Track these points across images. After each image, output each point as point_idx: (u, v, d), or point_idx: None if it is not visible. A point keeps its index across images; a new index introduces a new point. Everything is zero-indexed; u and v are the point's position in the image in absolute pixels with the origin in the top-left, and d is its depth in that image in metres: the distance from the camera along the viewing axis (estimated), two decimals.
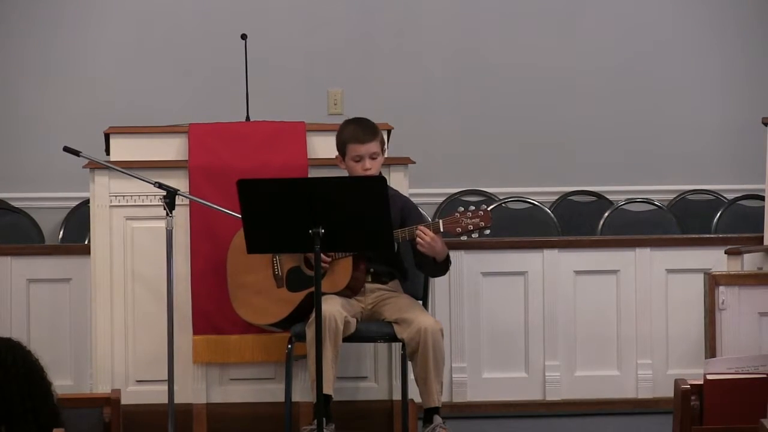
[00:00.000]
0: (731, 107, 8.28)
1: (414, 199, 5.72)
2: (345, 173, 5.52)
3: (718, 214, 7.83)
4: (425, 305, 5.64)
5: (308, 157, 5.73)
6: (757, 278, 5.09)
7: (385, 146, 5.54)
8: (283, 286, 5.46)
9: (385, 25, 8.20)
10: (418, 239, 5.23)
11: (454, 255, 6.27)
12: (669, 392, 4.56)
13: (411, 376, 5.42)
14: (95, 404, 4.02)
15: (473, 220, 5.22)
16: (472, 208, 5.27)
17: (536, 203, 7.78)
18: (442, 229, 5.24)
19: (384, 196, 4.55)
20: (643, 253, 6.45)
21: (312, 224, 4.46)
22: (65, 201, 7.88)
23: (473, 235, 5.23)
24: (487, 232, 5.24)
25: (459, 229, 5.22)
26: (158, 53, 8.08)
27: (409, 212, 5.51)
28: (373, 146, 5.43)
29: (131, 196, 5.75)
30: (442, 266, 5.43)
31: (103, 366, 5.74)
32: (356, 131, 5.45)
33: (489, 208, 5.26)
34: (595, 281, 6.43)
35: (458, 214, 5.24)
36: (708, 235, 7.16)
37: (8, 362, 3.21)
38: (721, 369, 4.33)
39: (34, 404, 3.21)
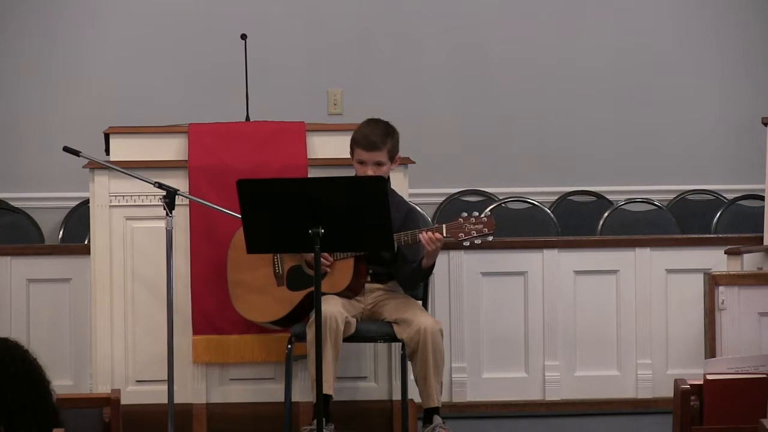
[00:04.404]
0: (731, 107, 8.28)
1: (414, 200, 5.73)
2: (347, 172, 5.53)
3: (718, 214, 7.83)
4: (425, 305, 5.64)
5: (308, 157, 5.73)
6: (757, 278, 5.09)
7: (398, 154, 5.53)
8: (283, 284, 5.46)
9: (385, 25, 8.20)
10: (427, 241, 5.21)
11: (453, 255, 6.31)
12: (669, 392, 4.56)
13: (411, 376, 5.42)
14: (95, 404, 4.02)
15: (476, 226, 5.22)
16: (476, 213, 5.26)
17: (536, 203, 7.78)
18: (445, 234, 5.23)
19: (384, 196, 4.54)
20: (643, 253, 6.45)
21: (312, 224, 4.46)
22: (65, 201, 7.88)
23: (476, 242, 5.23)
24: (490, 238, 5.24)
25: (462, 235, 5.22)
26: (158, 53, 8.08)
27: (412, 219, 5.50)
28: (377, 155, 5.42)
29: (131, 196, 5.75)
30: (426, 272, 5.42)
31: (103, 366, 5.74)
32: (365, 137, 5.44)
33: (488, 209, 5.27)
34: (595, 281, 6.43)
35: (461, 220, 5.24)
36: (708, 235, 7.16)
37: (6, 361, 3.21)
38: (720, 369, 4.33)
39: (33, 403, 3.20)
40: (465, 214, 5.26)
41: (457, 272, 6.34)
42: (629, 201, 7.90)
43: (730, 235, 6.76)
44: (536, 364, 6.39)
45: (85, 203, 7.37)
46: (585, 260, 6.44)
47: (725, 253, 5.98)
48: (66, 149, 5.40)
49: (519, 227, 7.47)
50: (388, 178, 5.53)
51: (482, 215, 5.26)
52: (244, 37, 6.16)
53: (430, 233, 5.22)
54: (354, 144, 5.47)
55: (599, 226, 7.66)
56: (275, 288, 5.46)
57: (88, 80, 8.05)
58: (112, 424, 3.98)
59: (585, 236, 7.27)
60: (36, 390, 3.23)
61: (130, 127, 5.96)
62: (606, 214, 7.72)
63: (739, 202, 7.92)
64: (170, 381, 5.21)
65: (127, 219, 5.77)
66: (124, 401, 4.20)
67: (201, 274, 5.67)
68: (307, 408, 5.64)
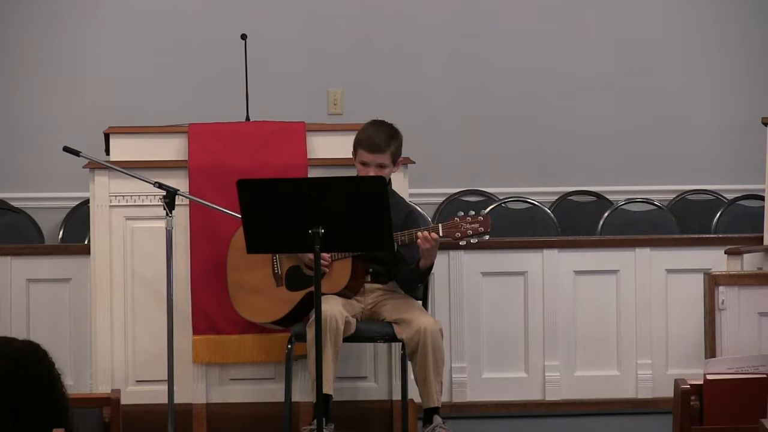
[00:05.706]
0: (731, 107, 8.28)
1: (414, 199, 5.72)
2: (347, 172, 5.53)
3: (718, 214, 7.82)
4: (425, 305, 5.64)
5: (308, 157, 5.73)
6: (757, 278, 5.09)
7: (400, 157, 5.53)
8: (282, 285, 5.46)
9: (385, 26, 8.20)
10: (422, 240, 5.21)
11: (453, 255, 6.30)
12: (669, 392, 4.56)
13: (411, 376, 5.42)
14: (95, 404, 4.01)
15: (473, 225, 5.23)
16: (472, 212, 5.27)
17: (536, 203, 7.78)
18: (441, 233, 5.24)
19: (384, 196, 4.54)
20: (643, 253, 6.45)
21: (312, 224, 4.46)
22: (65, 201, 7.88)
23: (472, 241, 5.24)
24: (486, 237, 5.25)
25: (458, 234, 5.23)
26: (158, 53, 8.08)
27: (413, 221, 5.49)
28: (380, 158, 5.43)
29: (131, 196, 5.75)
30: (424, 273, 5.42)
31: (103, 366, 5.74)
32: (369, 138, 5.44)
33: (488, 209, 5.27)
34: (595, 281, 6.43)
35: (458, 219, 5.25)
36: (708, 235, 7.16)
37: (34, 372, 3.16)
38: (721, 369, 4.32)
39: (52, 421, 3.17)
40: (461, 214, 5.27)
41: (457, 272, 6.34)
42: (629, 201, 7.90)
43: (730, 235, 6.75)
44: (536, 364, 6.39)
45: (85, 203, 7.37)
46: (585, 260, 6.44)
47: (725, 253, 5.97)
48: (66, 149, 5.40)
49: (519, 227, 7.47)
50: (390, 179, 5.53)
51: (478, 214, 5.27)
52: (244, 37, 6.15)
53: (425, 232, 5.23)
54: (357, 145, 5.47)
55: (599, 226, 7.66)
56: (274, 288, 5.46)
57: (88, 80, 8.05)
58: (112, 424, 3.98)
59: (585, 236, 7.27)
60: (57, 405, 3.19)
61: (130, 127, 5.96)
62: (606, 214, 7.72)
63: (739, 202, 7.92)
64: (170, 381, 5.21)
65: (127, 219, 5.77)
66: (124, 401, 4.19)
67: (201, 274, 5.67)
68: (307, 408, 5.64)
